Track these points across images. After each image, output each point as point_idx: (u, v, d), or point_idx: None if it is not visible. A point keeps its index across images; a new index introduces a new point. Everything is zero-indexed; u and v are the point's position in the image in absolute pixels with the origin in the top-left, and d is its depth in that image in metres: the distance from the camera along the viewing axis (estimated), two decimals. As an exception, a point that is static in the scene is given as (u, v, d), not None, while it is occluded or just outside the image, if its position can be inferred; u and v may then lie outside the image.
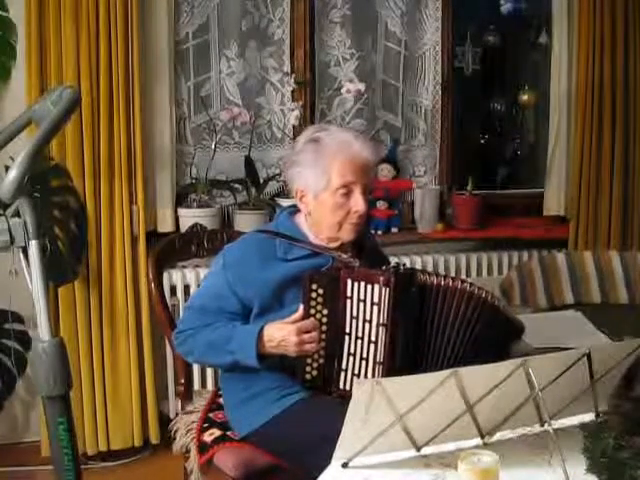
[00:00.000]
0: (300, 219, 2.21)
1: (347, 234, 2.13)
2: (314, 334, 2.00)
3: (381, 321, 1.98)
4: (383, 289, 1.97)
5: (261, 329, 2.03)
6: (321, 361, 2.04)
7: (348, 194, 2.09)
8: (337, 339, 2.03)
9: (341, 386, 2.04)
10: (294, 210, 2.23)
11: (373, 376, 1.99)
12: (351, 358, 2.02)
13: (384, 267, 2.03)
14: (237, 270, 2.10)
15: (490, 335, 2.06)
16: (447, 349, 2.03)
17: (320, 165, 2.08)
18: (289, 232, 2.17)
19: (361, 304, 2.00)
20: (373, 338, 1.99)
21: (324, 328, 2.03)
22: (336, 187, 2.08)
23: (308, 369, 2.04)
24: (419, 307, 2.01)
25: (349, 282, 2.01)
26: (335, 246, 2.15)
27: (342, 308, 2.02)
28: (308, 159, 2.10)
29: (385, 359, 1.98)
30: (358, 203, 2.09)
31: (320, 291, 2.01)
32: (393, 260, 2.42)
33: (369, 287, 1.98)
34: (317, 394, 2.07)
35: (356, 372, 2.02)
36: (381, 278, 1.97)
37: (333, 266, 2.09)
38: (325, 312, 2.02)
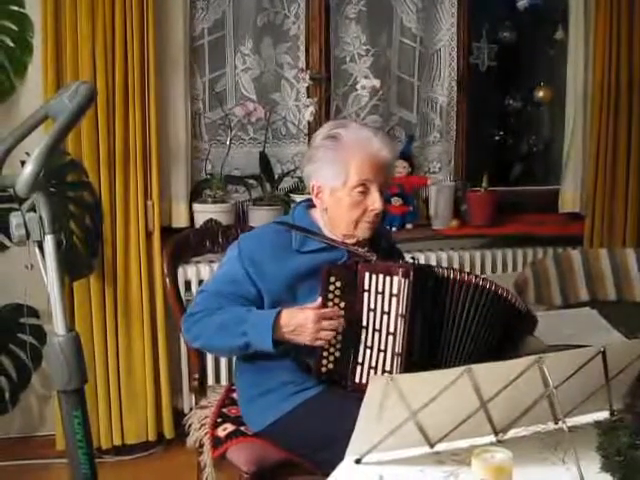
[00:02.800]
0: (316, 213, 2.20)
1: (363, 232, 2.12)
2: (334, 322, 2.00)
3: (400, 312, 1.98)
4: (403, 280, 1.97)
5: (279, 312, 2.01)
6: (337, 354, 2.04)
7: (365, 192, 2.08)
8: (354, 332, 2.03)
9: (357, 380, 2.04)
10: (310, 204, 2.22)
11: (391, 368, 2.00)
12: (368, 351, 2.03)
13: (401, 261, 2.06)
14: (252, 259, 2.09)
15: (504, 328, 2.07)
16: (463, 341, 2.04)
17: (338, 162, 2.07)
18: (305, 225, 2.17)
19: (379, 296, 2.00)
20: (392, 329, 2.00)
21: (341, 321, 2.03)
22: (353, 185, 2.07)
23: (324, 362, 2.04)
24: (436, 300, 2.02)
25: (367, 275, 2.01)
26: (351, 242, 2.14)
27: (359, 301, 2.02)
28: (326, 155, 2.09)
29: (403, 350, 1.99)
30: (375, 202, 2.08)
31: (338, 284, 2.02)
32: (407, 256, 2.41)
33: (388, 279, 1.99)
34: (331, 390, 2.07)
35: (373, 365, 2.02)
36: (400, 270, 1.98)
37: (351, 259, 2.09)
38: (342, 305, 2.02)
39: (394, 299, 1.99)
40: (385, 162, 2.10)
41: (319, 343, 2.00)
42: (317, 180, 2.13)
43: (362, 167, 2.06)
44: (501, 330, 2.07)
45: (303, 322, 1.98)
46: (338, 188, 2.08)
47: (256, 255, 2.10)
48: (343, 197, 2.09)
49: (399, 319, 1.99)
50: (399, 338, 1.99)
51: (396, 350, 2.00)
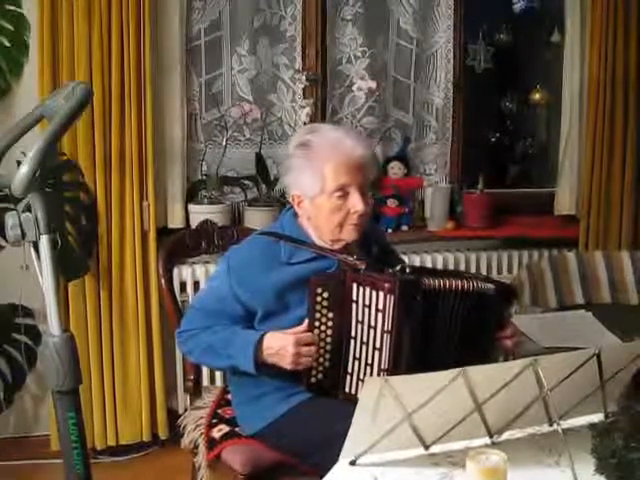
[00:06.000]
0: (304, 220, 2.17)
1: (349, 234, 2.10)
2: (312, 348, 2.00)
3: (385, 328, 1.95)
4: (388, 296, 1.94)
5: (261, 337, 2.02)
6: (327, 364, 2.03)
7: (345, 196, 2.05)
8: (342, 343, 2.01)
9: (347, 390, 2.02)
10: None
11: None
12: (356, 362, 2.01)
13: (390, 270, 2.00)
14: (241, 275, 2.09)
15: (490, 319, 2.09)
16: (454, 347, 2.02)
17: (312, 169, 2.04)
18: (293, 234, 2.15)
19: (366, 309, 1.98)
20: (378, 345, 1.97)
21: (329, 332, 2.01)
22: (331, 191, 2.04)
23: (314, 372, 2.03)
24: (424, 313, 1.98)
25: (355, 286, 1.98)
26: (340, 247, 2.12)
27: (348, 312, 2.00)
28: (299, 164, 2.07)
29: (390, 366, 1.96)
30: (356, 204, 2.05)
31: (325, 295, 2.00)
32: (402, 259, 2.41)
33: (374, 293, 1.96)
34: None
35: (361, 377, 2.00)
36: (386, 285, 1.94)
37: (339, 269, 2.07)
38: (330, 316, 2.01)
39: (380, 314, 1.96)
40: (361, 161, 2.06)
41: (300, 367, 2.01)
42: (295, 190, 2.11)
43: (337, 171, 2.03)
44: (489, 321, 2.08)
45: (283, 346, 1.99)
46: (317, 195, 2.06)
47: (245, 270, 2.10)
48: (323, 204, 2.06)
49: (385, 335, 1.95)
50: (385, 354, 1.96)
51: (382, 366, 1.97)
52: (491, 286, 2.07)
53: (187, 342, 2.18)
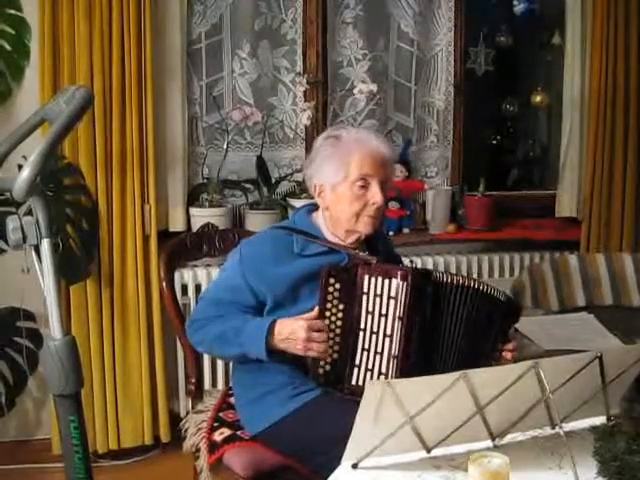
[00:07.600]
0: (317, 217, 2.23)
1: (364, 226, 2.15)
2: (323, 335, 2.01)
3: (398, 314, 2.00)
4: (401, 283, 2.00)
5: (272, 323, 2.04)
6: (335, 356, 2.05)
7: (365, 187, 2.12)
8: (352, 335, 2.04)
9: (353, 382, 2.04)
10: (312, 208, 2.26)
11: (387, 370, 2.01)
12: (365, 353, 2.04)
13: (400, 265, 2.09)
14: (253, 264, 2.12)
15: (497, 325, 2.11)
16: (459, 343, 2.06)
17: (339, 158, 2.12)
18: (306, 229, 2.20)
19: (377, 299, 2.02)
20: (389, 332, 2.01)
21: (339, 323, 2.04)
22: (354, 179, 2.11)
23: (321, 364, 2.05)
24: (434, 304, 2.03)
25: (366, 278, 2.03)
26: (352, 242, 2.17)
27: (358, 304, 2.03)
28: (327, 154, 2.15)
29: (400, 353, 2.00)
30: (376, 195, 2.12)
31: (337, 286, 2.03)
32: (405, 261, 2.43)
33: (387, 281, 2.01)
34: (328, 394, 2.07)
35: (369, 367, 2.03)
36: (399, 272, 2.01)
37: (351, 262, 2.11)
38: (341, 307, 2.04)
39: (392, 301, 2.01)
40: (384, 158, 2.15)
41: (310, 353, 2.02)
42: (319, 179, 2.17)
43: (362, 162, 2.11)
44: (494, 328, 2.10)
45: (295, 330, 2.00)
46: (339, 183, 2.13)
47: (257, 261, 2.13)
48: (344, 192, 2.13)
49: (396, 321, 2.00)
50: (396, 340, 2.00)
51: (392, 352, 2.01)
52: (500, 294, 2.12)
53: (197, 332, 2.19)
